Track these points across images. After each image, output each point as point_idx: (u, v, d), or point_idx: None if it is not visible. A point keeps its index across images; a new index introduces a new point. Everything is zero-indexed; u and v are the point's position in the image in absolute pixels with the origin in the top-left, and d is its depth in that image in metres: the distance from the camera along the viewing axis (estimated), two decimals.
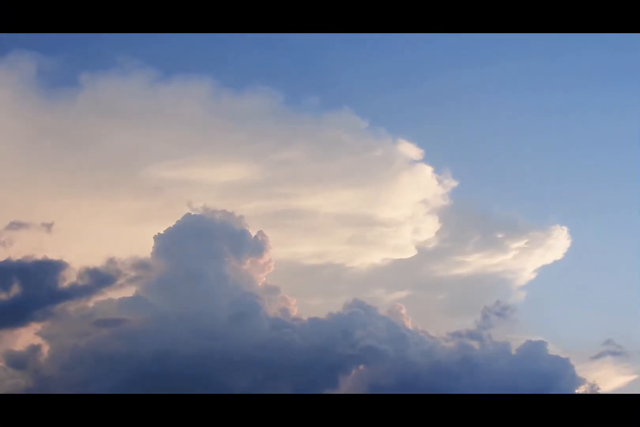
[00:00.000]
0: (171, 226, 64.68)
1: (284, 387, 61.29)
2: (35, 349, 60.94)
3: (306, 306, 74.07)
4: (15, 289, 59.59)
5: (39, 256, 60.57)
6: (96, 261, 62.63)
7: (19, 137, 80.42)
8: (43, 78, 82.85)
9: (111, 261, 62.51)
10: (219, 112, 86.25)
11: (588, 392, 64.45)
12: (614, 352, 71.11)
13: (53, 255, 60.86)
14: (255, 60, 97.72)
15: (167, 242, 63.85)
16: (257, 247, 66.87)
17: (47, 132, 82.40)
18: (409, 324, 67.04)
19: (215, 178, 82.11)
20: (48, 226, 64.39)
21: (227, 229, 65.79)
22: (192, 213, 65.23)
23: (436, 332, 68.80)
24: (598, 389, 65.49)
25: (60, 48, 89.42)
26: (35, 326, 60.91)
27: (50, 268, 60.24)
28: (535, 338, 67.19)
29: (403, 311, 68.13)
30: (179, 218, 65.11)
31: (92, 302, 62.15)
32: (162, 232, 64.55)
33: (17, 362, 60.58)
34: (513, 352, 66.51)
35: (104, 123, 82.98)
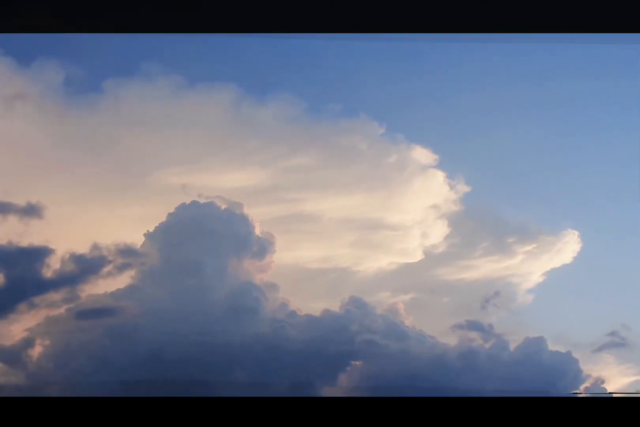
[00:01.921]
0: (165, 220, 65.02)
1: (281, 382, 61.30)
2: (23, 342, 60.55)
3: (306, 305, 74.02)
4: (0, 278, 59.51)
5: (24, 243, 60.35)
6: (84, 248, 62.76)
7: (34, 144, 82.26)
8: (68, 85, 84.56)
9: (96, 246, 62.18)
10: (238, 120, 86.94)
11: (592, 386, 63.71)
12: (618, 343, 69.46)
13: (41, 241, 60.76)
14: (279, 67, 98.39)
15: (160, 231, 64.28)
16: (260, 245, 67.08)
17: (65, 138, 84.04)
18: (408, 322, 66.69)
19: (223, 184, 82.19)
20: (36, 211, 64.02)
21: (223, 215, 65.70)
22: (187, 202, 65.36)
23: (436, 329, 68.32)
24: (602, 383, 64.62)
25: (86, 55, 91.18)
26: (21, 318, 60.63)
27: (37, 255, 60.08)
28: (536, 335, 66.69)
29: (402, 310, 67.81)
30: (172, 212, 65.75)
31: (84, 292, 62.34)
32: (151, 230, 64.63)
33: (6, 356, 60.10)
34: (512, 349, 65.94)
35: (124, 130, 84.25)
